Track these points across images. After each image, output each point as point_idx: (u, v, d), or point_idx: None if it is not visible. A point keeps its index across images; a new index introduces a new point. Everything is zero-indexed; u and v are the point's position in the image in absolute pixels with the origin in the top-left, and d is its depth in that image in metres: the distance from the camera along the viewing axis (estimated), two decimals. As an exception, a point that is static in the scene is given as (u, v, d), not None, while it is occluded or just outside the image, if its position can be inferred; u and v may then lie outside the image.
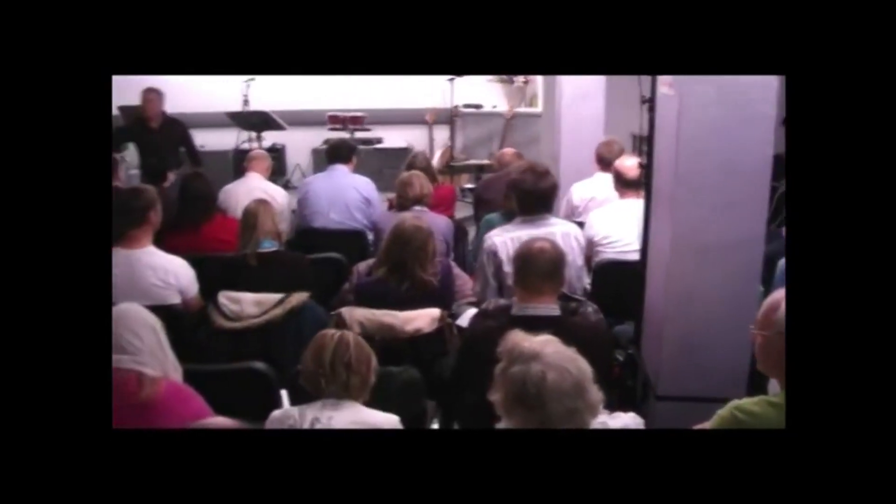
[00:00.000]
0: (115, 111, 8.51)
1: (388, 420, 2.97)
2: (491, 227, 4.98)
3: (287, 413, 2.97)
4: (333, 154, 6.66)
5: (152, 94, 7.81)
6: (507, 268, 4.39)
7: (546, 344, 2.39)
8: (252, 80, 9.95)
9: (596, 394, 2.37)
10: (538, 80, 9.93)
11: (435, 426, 3.87)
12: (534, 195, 4.60)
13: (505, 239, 4.52)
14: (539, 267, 3.44)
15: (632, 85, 4.06)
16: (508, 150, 7.35)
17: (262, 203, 4.69)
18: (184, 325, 4.22)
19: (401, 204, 5.67)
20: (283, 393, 3.59)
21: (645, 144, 4.27)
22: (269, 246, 4.52)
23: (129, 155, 8.90)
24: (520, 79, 11.02)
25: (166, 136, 7.87)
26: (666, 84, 3.71)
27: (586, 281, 4.85)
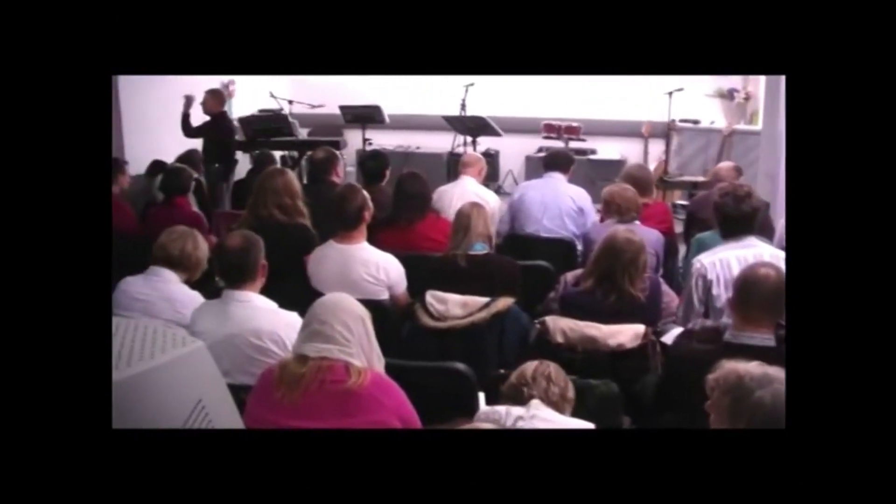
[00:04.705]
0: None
1: (584, 427, 3.03)
2: (703, 246, 4.85)
3: (494, 410, 3.06)
4: (552, 162, 6.60)
5: (207, 94, 8.71)
6: (716, 290, 4.28)
7: (765, 366, 2.40)
8: (471, 84, 10.08)
9: None
10: (759, 97, 9.61)
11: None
12: (733, 219, 4.45)
13: (713, 260, 4.39)
14: (762, 295, 3.30)
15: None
16: (726, 165, 7.01)
17: (475, 206, 4.74)
18: (389, 320, 4.32)
19: (608, 211, 5.55)
20: (481, 395, 3.62)
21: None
22: (479, 249, 4.56)
23: (348, 153, 9.27)
24: (740, 94, 10.72)
25: (213, 133, 8.76)
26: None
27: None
